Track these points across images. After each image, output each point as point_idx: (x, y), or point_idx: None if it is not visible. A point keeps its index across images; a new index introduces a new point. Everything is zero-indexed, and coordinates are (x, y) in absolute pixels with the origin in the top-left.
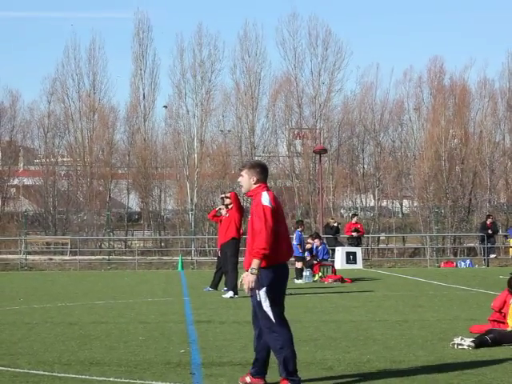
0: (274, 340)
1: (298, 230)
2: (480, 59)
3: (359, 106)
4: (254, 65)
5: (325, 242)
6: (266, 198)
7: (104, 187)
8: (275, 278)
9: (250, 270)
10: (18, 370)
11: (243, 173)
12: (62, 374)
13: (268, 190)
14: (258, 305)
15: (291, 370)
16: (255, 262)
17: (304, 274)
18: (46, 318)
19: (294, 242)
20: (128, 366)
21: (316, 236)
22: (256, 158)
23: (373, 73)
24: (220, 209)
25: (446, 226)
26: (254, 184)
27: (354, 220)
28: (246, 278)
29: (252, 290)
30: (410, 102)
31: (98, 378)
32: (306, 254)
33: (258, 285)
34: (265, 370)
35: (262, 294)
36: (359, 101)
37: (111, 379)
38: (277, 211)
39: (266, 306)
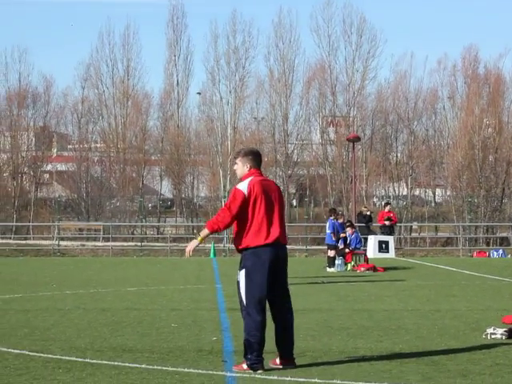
0: (243, 320)
1: (331, 218)
2: None
3: (393, 94)
4: (288, 52)
5: (357, 230)
6: (243, 184)
7: (137, 173)
8: (254, 261)
9: (195, 235)
10: (50, 355)
11: (237, 160)
12: (94, 361)
13: (257, 176)
14: (237, 284)
15: (247, 352)
16: (204, 231)
17: (336, 262)
18: (78, 304)
19: (328, 231)
20: (160, 352)
21: (349, 224)
22: (289, 145)
23: (407, 61)
24: None
25: (478, 216)
26: (248, 170)
27: (387, 209)
28: (190, 243)
29: (188, 255)
30: (443, 90)
31: (130, 365)
32: (340, 242)
33: (239, 266)
34: (289, 350)
35: (240, 275)
36: (393, 89)
37: (143, 366)
38: (255, 198)
39: (242, 287)
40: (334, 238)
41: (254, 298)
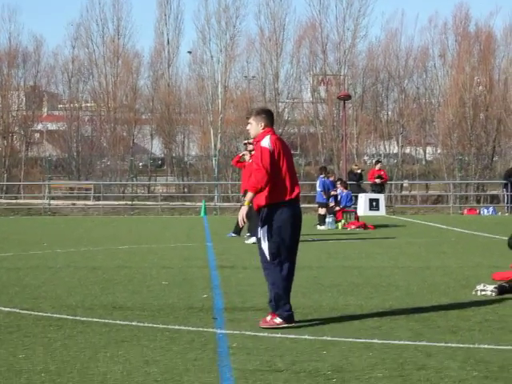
0: (266, 276)
1: (321, 176)
2: (506, 6)
3: (384, 52)
4: (278, 10)
5: (349, 188)
6: (265, 141)
7: (128, 133)
8: (276, 217)
9: (242, 202)
10: (41, 313)
11: (251, 120)
12: (85, 318)
13: (273, 134)
14: (258, 241)
15: (280, 306)
16: (248, 195)
17: (327, 220)
18: (69, 263)
19: (318, 189)
20: (151, 310)
21: (341, 182)
22: (280, 104)
23: (398, 19)
24: (243, 155)
25: (469, 174)
26: (262, 129)
27: (378, 167)
28: (240, 210)
29: (242, 222)
30: (434, 48)
31: (120, 322)
32: (331, 200)
33: (261, 222)
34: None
35: (262, 231)
36: (384, 47)
37: (134, 323)
38: (278, 154)
39: (264, 243)
40: (324, 196)
41: (278, 252)
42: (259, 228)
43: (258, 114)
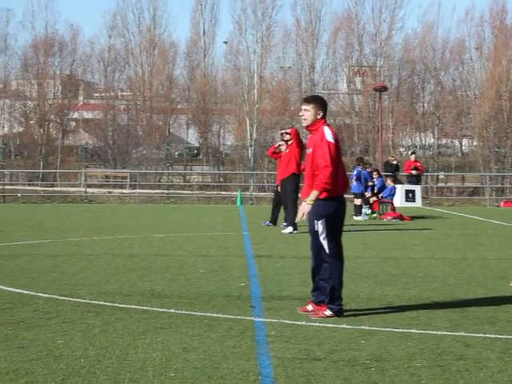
0: (324, 269)
1: (359, 166)
2: None
3: (420, 44)
4: (314, 1)
5: (385, 180)
6: (329, 134)
7: (163, 122)
8: (333, 210)
9: (306, 200)
10: (79, 300)
11: (309, 107)
12: (123, 305)
13: (328, 125)
14: (315, 235)
15: (334, 299)
16: (314, 194)
17: (363, 210)
18: (106, 250)
19: (353, 179)
20: (188, 298)
21: (377, 173)
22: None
23: (434, 11)
24: (279, 145)
25: (505, 166)
26: (319, 118)
27: (413, 158)
28: (302, 207)
29: (309, 219)
30: (471, 40)
31: (158, 309)
32: (367, 190)
33: (317, 215)
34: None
35: (319, 225)
36: (420, 39)
37: (172, 311)
38: (338, 147)
39: (323, 236)
40: (359, 186)
41: (336, 245)
42: (315, 221)
43: (318, 102)
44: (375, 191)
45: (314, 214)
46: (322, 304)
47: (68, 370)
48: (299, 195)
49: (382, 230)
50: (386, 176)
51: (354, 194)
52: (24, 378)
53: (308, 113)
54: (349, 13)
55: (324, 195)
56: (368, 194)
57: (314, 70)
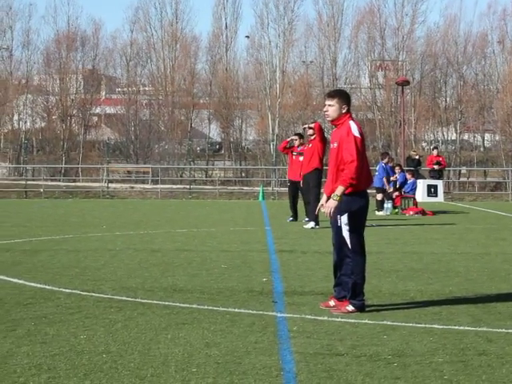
0: (346, 264)
1: (383, 161)
2: None
3: (442, 38)
4: None
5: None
6: (355, 129)
7: (185, 117)
8: (356, 205)
9: (332, 196)
10: (101, 295)
11: (333, 102)
12: (146, 300)
13: (353, 119)
14: (337, 230)
15: (356, 294)
16: (340, 189)
17: (385, 205)
18: (128, 245)
19: (377, 174)
20: (211, 293)
21: (400, 168)
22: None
23: (457, 5)
24: (292, 140)
25: None
26: (344, 113)
27: (435, 153)
28: (328, 203)
29: (332, 215)
30: (493, 34)
31: (181, 305)
32: (390, 185)
33: (340, 210)
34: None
35: (342, 220)
36: (442, 33)
37: (194, 306)
38: (364, 142)
39: (345, 231)
40: (385, 183)
41: (359, 240)
42: (338, 216)
43: (342, 96)
44: (397, 186)
45: (338, 209)
46: (343, 299)
47: (90, 365)
48: (321, 190)
49: (404, 224)
50: (407, 171)
51: (375, 188)
52: (46, 373)
53: (332, 108)
54: (371, 7)
55: (348, 190)
56: (390, 188)
57: (336, 65)
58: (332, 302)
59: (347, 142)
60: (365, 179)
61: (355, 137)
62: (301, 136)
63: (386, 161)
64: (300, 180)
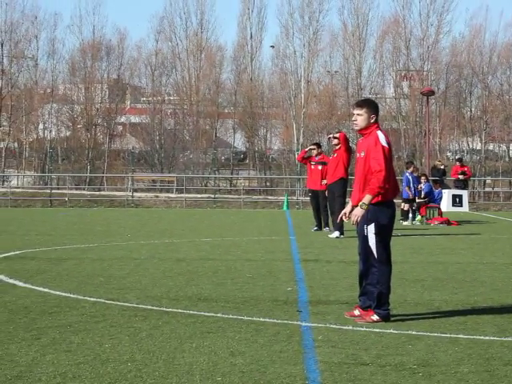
0: (372, 274)
1: (409, 171)
2: None
3: (467, 48)
4: (362, 5)
5: (431, 185)
6: (383, 139)
7: (210, 126)
8: (383, 215)
9: (360, 205)
10: (126, 304)
11: (362, 111)
12: (170, 309)
13: (381, 129)
14: (364, 239)
15: (381, 304)
16: (367, 198)
17: (410, 215)
18: (153, 254)
19: (404, 184)
20: (235, 302)
21: (426, 178)
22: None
23: (482, 15)
24: (310, 149)
25: None
26: (372, 122)
27: (459, 165)
28: (355, 211)
29: (358, 223)
30: None
31: (205, 314)
32: (416, 194)
33: (367, 220)
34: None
35: (369, 229)
36: (468, 43)
37: (219, 315)
38: (391, 152)
39: (372, 241)
40: (409, 192)
41: (385, 250)
42: (365, 226)
43: (371, 106)
44: (422, 196)
45: (364, 219)
46: (368, 309)
47: (115, 373)
48: (347, 199)
49: (429, 234)
50: (433, 181)
51: (402, 199)
52: (71, 381)
53: (361, 117)
54: (396, 17)
55: (375, 200)
56: (416, 198)
57: (360, 75)
58: (357, 312)
59: (375, 152)
60: (392, 189)
61: (383, 146)
62: (318, 146)
63: (411, 170)
64: (320, 189)
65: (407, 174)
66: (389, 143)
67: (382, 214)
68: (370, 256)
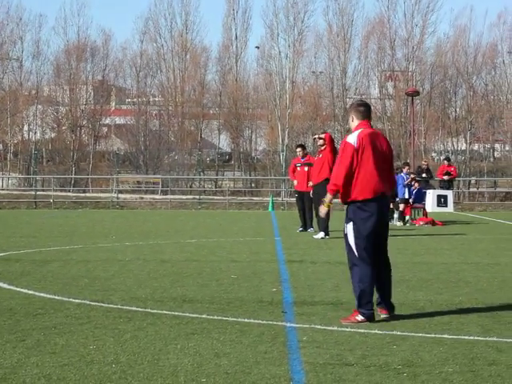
0: (354, 273)
1: (405, 171)
2: None
3: (452, 48)
4: (346, 6)
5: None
6: (352, 137)
7: (195, 127)
8: (358, 215)
9: (322, 202)
10: (111, 305)
11: (349, 115)
12: (155, 311)
13: (366, 128)
14: (344, 238)
15: (363, 303)
16: (327, 196)
17: (394, 215)
18: (138, 256)
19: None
20: (220, 303)
21: (417, 180)
22: (347, 99)
23: (466, 15)
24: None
25: None
26: (353, 123)
27: (446, 163)
28: (319, 209)
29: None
30: (503, 45)
31: (190, 315)
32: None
33: (347, 218)
34: (389, 305)
35: (348, 228)
36: (452, 43)
37: (204, 316)
38: (363, 150)
39: (351, 239)
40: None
41: (366, 249)
42: (345, 224)
43: (349, 108)
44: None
45: (345, 218)
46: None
47: (100, 375)
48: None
49: (413, 235)
50: (416, 180)
51: (399, 199)
52: (56, 383)
53: (349, 120)
54: (381, 17)
55: (350, 199)
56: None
57: (345, 75)
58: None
59: (340, 148)
60: (368, 188)
61: (345, 143)
62: (303, 147)
63: (405, 170)
64: (306, 190)
65: (402, 175)
66: (360, 142)
67: (357, 213)
68: (351, 254)
